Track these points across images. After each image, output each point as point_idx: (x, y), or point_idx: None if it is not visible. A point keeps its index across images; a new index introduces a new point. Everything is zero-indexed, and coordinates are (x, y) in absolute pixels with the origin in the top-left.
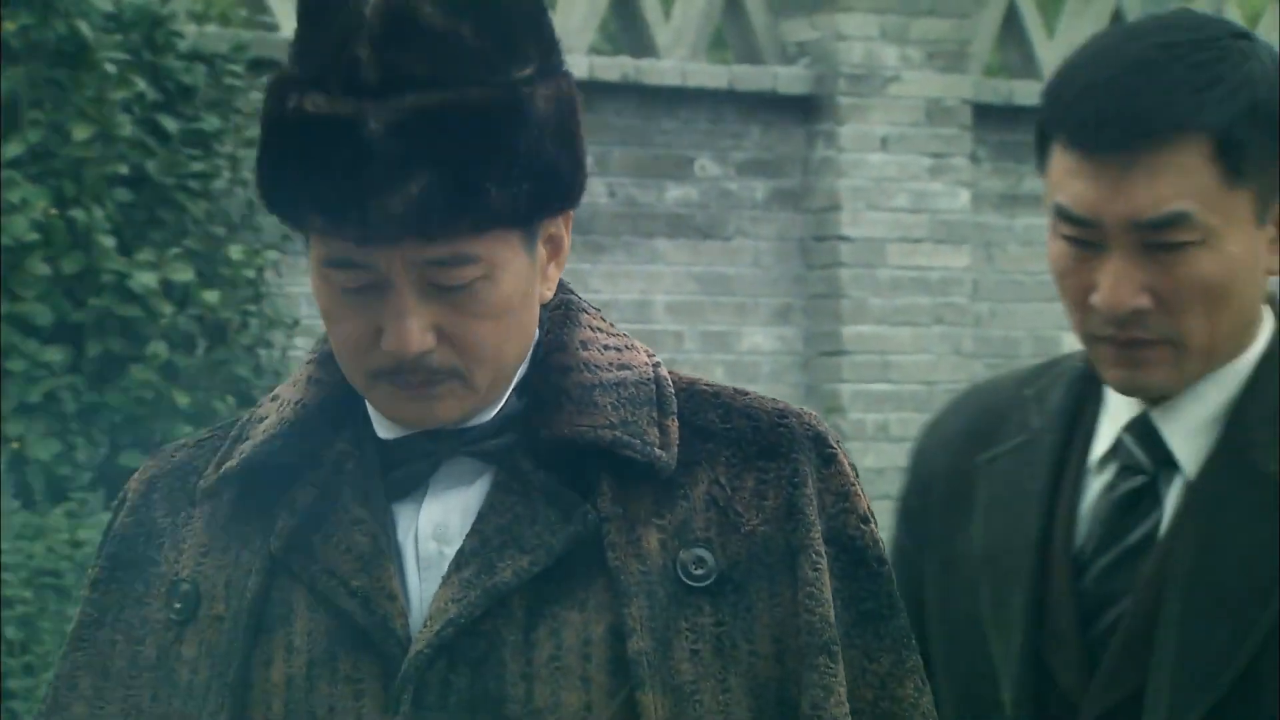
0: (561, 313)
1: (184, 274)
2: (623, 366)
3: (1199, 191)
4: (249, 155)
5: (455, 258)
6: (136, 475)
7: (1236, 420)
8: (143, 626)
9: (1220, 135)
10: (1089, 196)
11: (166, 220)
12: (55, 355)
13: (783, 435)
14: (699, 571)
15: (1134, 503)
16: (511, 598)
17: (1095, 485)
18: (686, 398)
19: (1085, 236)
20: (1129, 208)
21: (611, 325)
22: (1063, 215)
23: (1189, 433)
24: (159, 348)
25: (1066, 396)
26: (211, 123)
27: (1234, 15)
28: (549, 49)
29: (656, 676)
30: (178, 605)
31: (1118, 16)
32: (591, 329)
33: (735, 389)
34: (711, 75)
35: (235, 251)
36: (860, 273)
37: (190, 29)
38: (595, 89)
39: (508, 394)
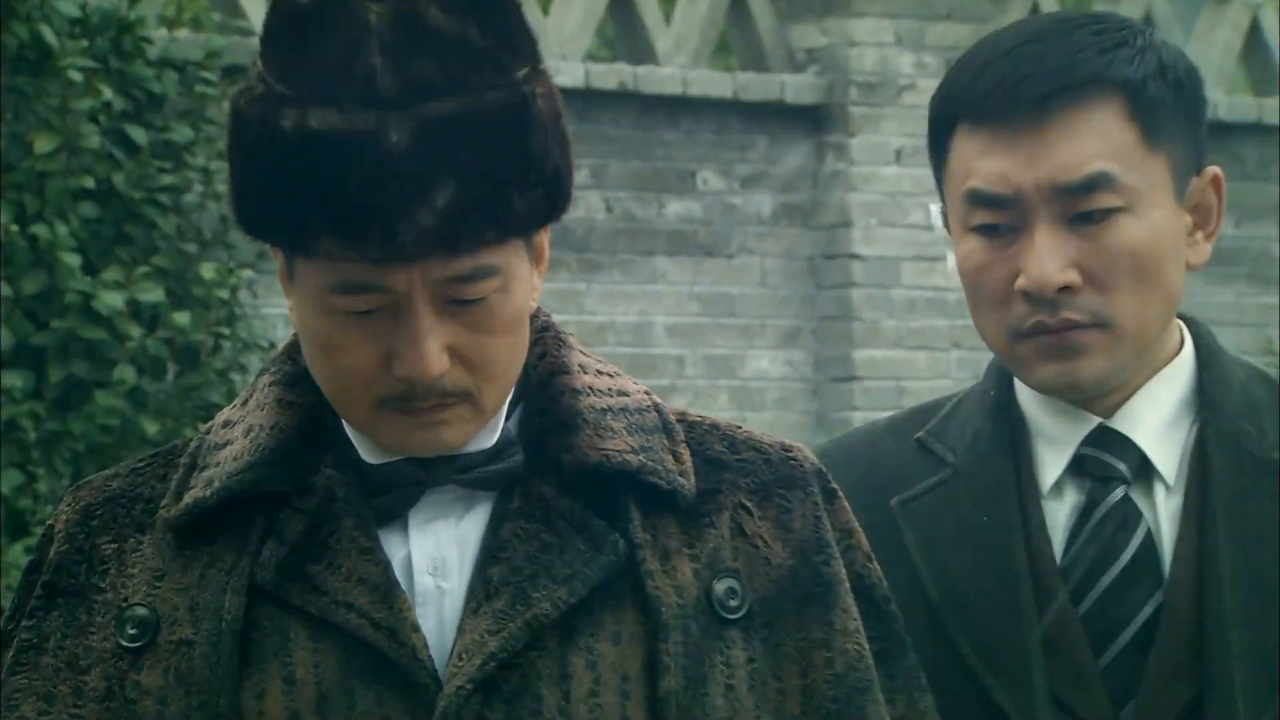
0: (552, 334)
1: (153, 294)
2: (621, 393)
3: (1118, 151)
4: (223, 167)
5: (477, 271)
6: (65, 507)
7: (1213, 414)
8: (87, 656)
9: (1133, 91)
10: (1005, 169)
11: (135, 237)
12: (16, 381)
13: (795, 468)
14: (733, 603)
15: (1119, 518)
16: (545, 629)
17: (1060, 510)
18: (687, 428)
19: (1003, 220)
20: (1050, 171)
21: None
22: (977, 200)
23: (1157, 434)
24: (126, 372)
25: (989, 427)
26: (183, 133)
27: None
28: (534, 43)
29: (687, 716)
30: (132, 631)
31: None
32: (581, 352)
33: (729, 422)
34: (715, 84)
35: (208, 270)
36: (873, 293)
37: (160, 34)
38: (591, 98)
39: (503, 417)
